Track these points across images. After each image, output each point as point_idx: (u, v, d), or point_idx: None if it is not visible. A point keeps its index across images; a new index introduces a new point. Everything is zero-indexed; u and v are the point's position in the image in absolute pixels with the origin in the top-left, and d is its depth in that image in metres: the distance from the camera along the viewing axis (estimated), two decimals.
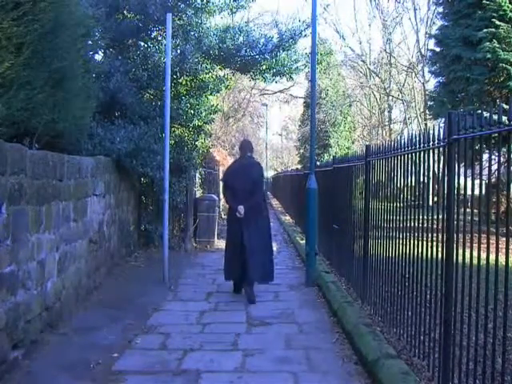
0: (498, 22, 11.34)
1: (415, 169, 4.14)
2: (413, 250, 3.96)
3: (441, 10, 14.29)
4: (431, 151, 3.71)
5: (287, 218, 16.55)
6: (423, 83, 23.59)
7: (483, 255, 2.93)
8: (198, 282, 7.20)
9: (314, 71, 7.26)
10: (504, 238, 2.66)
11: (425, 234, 3.76)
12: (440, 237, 3.45)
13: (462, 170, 3.33)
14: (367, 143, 21.27)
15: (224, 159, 18.79)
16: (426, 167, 3.93)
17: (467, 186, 3.73)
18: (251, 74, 11.20)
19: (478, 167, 3.42)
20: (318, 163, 10.97)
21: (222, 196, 18.50)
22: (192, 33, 9.80)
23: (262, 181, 6.65)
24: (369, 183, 5.45)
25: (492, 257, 2.75)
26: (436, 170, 3.81)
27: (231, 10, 10.88)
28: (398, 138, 8.25)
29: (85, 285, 5.83)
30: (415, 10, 24.38)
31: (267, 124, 37.47)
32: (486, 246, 2.89)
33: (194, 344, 4.48)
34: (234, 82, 17.37)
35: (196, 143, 10.68)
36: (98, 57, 8.60)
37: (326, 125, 27.30)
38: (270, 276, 6.37)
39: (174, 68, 8.75)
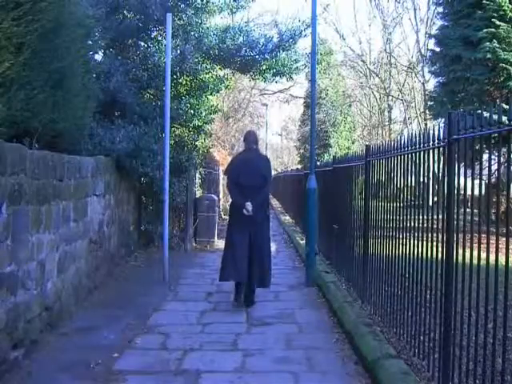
0: (498, 22, 11.34)
1: (415, 169, 4.14)
2: (413, 249, 3.96)
3: (441, 9, 14.28)
4: (431, 151, 3.71)
5: (287, 218, 16.55)
6: (423, 83, 23.57)
7: (483, 255, 2.93)
8: (198, 281, 7.20)
9: (314, 71, 7.26)
10: (504, 238, 2.66)
11: (425, 234, 3.76)
12: (440, 237, 3.45)
13: (462, 169, 3.33)
14: (367, 143, 21.26)
15: (224, 159, 18.80)
16: (425, 167, 3.93)
17: (467, 185, 3.73)
18: (251, 74, 11.21)
19: (478, 167, 3.42)
20: (318, 163, 10.97)
21: (221, 196, 18.59)
22: (192, 33, 9.81)
23: (270, 176, 6.20)
24: (369, 183, 5.45)
25: (492, 257, 2.75)
26: (436, 169, 3.81)
27: (231, 10, 10.89)
28: (398, 137, 8.26)
29: (85, 285, 5.83)
30: (415, 9, 24.33)
31: (267, 124, 37.45)
32: (485, 245, 2.89)
33: (194, 344, 4.48)
34: (234, 81, 17.38)
35: (196, 143, 10.68)
36: (98, 57, 8.59)
37: (326, 125, 27.27)
38: (268, 280, 5.93)
39: (174, 68, 8.75)
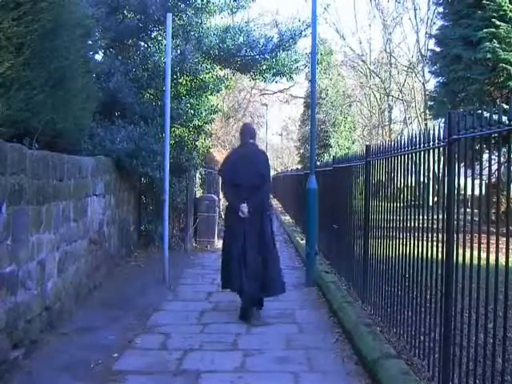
0: (498, 22, 11.33)
1: (415, 169, 4.14)
2: (413, 250, 3.96)
3: (441, 9, 14.28)
4: (431, 151, 3.70)
5: (287, 218, 16.54)
6: (423, 83, 23.58)
7: (483, 255, 2.93)
8: (198, 281, 7.20)
9: (314, 71, 7.26)
10: (504, 238, 2.66)
11: (425, 234, 3.76)
12: (440, 237, 3.45)
13: (462, 169, 3.33)
14: (367, 143, 21.26)
15: None
16: (426, 167, 3.93)
17: (467, 185, 3.73)
18: (251, 73, 11.22)
19: (478, 167, 3.42)
20: (318, 163, 10.97)
21: (221, 196, 18.57)
22: (192, 33, 9.81)
23: (269, 173, 5.59)
24: (369, 183, 5.45)
25: (492, 257, 2.75)
26: (436, 169, 3.81)
27: (231, 9, 10.90)
28: (398, 138, 8.26)
29: (85, 285, 5.83)
30: (415, 9, 24.38)
31: (267, 124, 37.49)
32: (486, 245, 2.89)
33: (194, 344, 4.48)
34: (234, 81, 17.36)
35: (196, 143, 10.69)
36: (98, 57, 8.60)
37: (326, 125, 27.24)
38: (273, 288, 5.38)
39: (174, 68, 8.75)
